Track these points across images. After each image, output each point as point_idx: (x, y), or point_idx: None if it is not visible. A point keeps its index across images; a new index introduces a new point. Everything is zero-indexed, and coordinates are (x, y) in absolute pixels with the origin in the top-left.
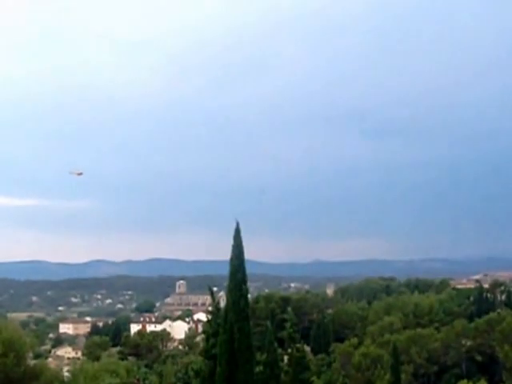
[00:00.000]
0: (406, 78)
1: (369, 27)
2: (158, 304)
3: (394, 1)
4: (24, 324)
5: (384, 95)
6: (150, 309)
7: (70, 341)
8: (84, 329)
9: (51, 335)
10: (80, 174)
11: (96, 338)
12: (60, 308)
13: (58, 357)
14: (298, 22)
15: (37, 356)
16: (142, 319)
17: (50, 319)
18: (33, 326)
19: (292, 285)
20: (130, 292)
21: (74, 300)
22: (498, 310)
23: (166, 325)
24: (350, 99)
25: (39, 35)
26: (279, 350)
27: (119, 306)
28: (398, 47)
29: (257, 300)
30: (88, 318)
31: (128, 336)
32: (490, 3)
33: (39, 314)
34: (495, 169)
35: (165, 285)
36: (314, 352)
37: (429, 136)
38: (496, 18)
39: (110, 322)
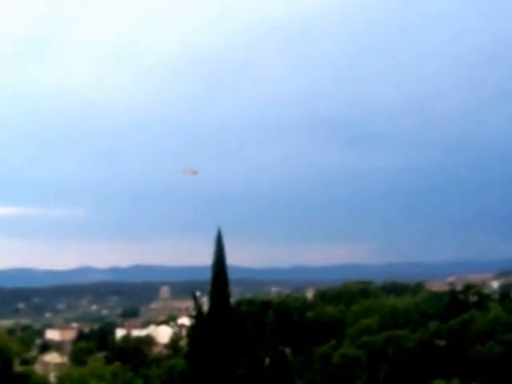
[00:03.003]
0: (383, 86)
1: (348, 37)
2: (142, 309)
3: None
4: (10, 331)
5: (361, 104)
6: (134, 314)
7: (57, 347)
8: (70, 334)
9: (38, 341)
10: (195, 172)
11: (82, 344)
12: (46, 315)
13: (45, 363)
14: (278, 32)
15: (24, 362)
16: (127, 324)
17: (36, 326)
18: (19, 333)
19: (273, 289)
20: (115, 298)
21: (60, 306)
22: (471, 311)
23: (151, 329)
24: (328, 108)
25: (21, 43)
26: (261, 353)
27: (105, 311)
28: (377, 56)
29: (239, 304)
30: (74, 324)
31: (114, 341)
32: (468, 16)
33: (26, 321)
34: (469, 174)
35: (149, 290)
36: (295, 354)
37: (406, 142)
38: (468, 30)
39: (95, 327)
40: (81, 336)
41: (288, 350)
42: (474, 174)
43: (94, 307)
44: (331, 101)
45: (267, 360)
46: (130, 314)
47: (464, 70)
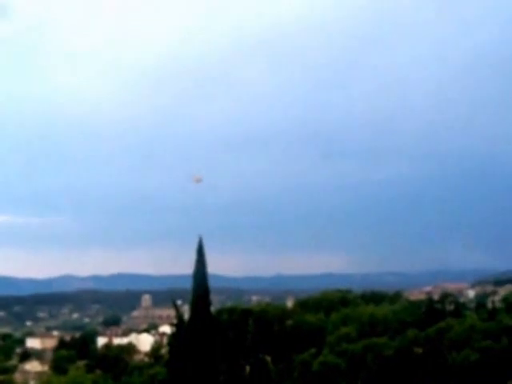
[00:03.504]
0: (360, 100)
1: (328, 52)
2: (124, 317)
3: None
4: None
5: (341, 117)
6: (116, 322)
7: (37, 355)
8: (51, 343)
9: (18, 350)
10: (199, 180)
11: (63, 352)
12: (27, 323)
13: (25, 371)
14: (260, 47)
15: (4, 371)
16: (108, 332)
17: (17, 334)
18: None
19: (254, 298)
20: (96, 306)
21: (41, 315)
22: (447, 319)
23: (132, 337)
24: (308, 121)
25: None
26: (241, 361)
27: (86, 320)
28: (358, 69)
29: (219, 313)
30: (55, 333)
31: (95, 349)
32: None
33: (6, 330)
34: (446, 185)
35: (131, 299)
36: (275, 362)
37: (383, 155)
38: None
39: (77, 335)
40: (62, 344)
41: (268, 358)
42: (452, 185)
43: (75, 315)
44: (310, 115)
45: (247, 368)
46: (112, 323)
47: (441, 83)
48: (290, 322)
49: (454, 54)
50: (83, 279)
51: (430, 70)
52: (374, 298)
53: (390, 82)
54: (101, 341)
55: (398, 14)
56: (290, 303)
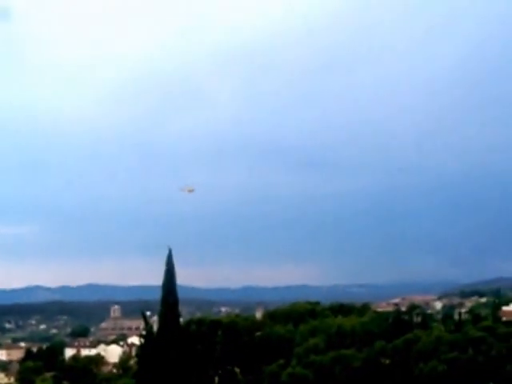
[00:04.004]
0: (333, 112)
1: (301, 64)
2: (92, 329)
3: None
4: None
5: (312, 130)
6: (84, 333)
7: (3, 367)
8: (18, 354)
9: None
10: (191, 190)
11: (30, 363)
12: None
13: None
14: (235, 59)
15: None
16: (76, 344)
17: None
18: None
19: (223, 309)
20: (64, 317)
21: (7, 326)
22: (414, 331)
23: (101, 349)
24: (280, 134)
25: None
26: (211, 372)
27: (54, 331)
28: (326, 83)
29: (188, 324)
30: (22, 344)
31: (62, 360)
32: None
33: None
34: (414, 198)
35: (99, 309)
36: (244, 373)
37: (354, 167)
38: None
39: (44, 347)
40: (28, 356)
41: (237, 370)
42: (419, 198)
43: (42, 326)
44: (284, 128)
45: (216, 379)
46: (80, 334)
47: (416, 96)
48: (258, 334)
49: (423, 72)
50: (51, 290)
51: (400, 87)
52: (342, 309)
53: (359, 97)
54: (68, 352)
55: (373, 33)
56: (258, 315)
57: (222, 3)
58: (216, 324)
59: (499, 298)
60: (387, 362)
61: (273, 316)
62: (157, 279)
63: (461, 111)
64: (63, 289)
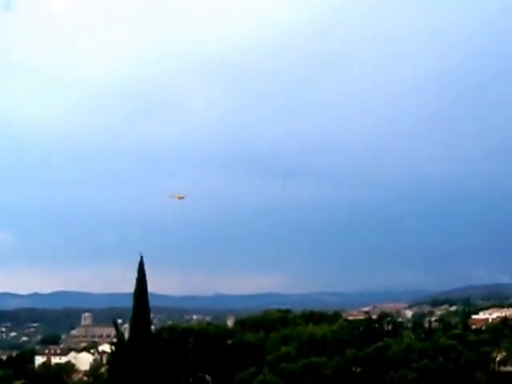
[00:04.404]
0: (309, 122)
1: (274, 74)
2: (63, 336)
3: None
4: None
5: (287, 139)
6: (55, 341)
7: None
8: None
9: None
10: (182, 197)
11: None
12: None
13: None
14: (214, 70)
15: None
16: (47, 351)
17: None
18: None
19: (194, 317)
20: (35, 324)
21: None
22: (385, 339)
23: (71, 357)
24: (251, 144)
25: None
26: (182, 379)
27: (24, 338)
28: (303, 94)
29: (160, 331)
30: None
31: (32, 368)
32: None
33: None
34: (384, 208)
35: (71, 317)
36: (215, 381)
37: (324, 177)
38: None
39: (14, 354)
40: None
41: (208, 377)
42: (390, 208)
43: (12, 334)
44: (257, 137)
45: None
46: (51, 341)
47: (386, 106)
48: (230, 341)
49: (389, 85)
50: (22, 297)
51: (372, 99)
52: (314, 317)
53: (333, 108)
54: (39, 360)
55: (348, 45)
56: (230, 322)
57: (201, 15)
58: (187, 332)
59: (469, 307)
60: (358, 369)
61: (244, 324)
62: (128, 287)
63: (431, 124)
64: (34, 296)
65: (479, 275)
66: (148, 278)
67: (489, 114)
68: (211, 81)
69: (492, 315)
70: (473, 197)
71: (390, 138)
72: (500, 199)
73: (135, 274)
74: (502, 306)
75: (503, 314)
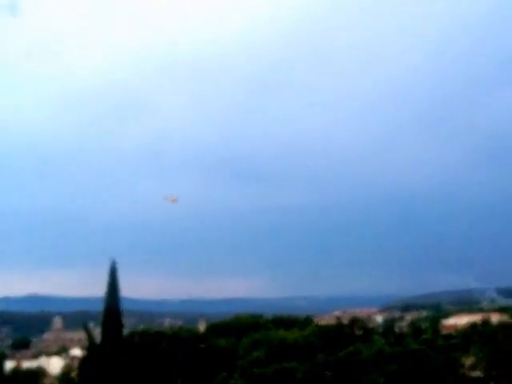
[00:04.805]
0: (280, 126)
1: (246, 77)
2: (34, 340)
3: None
4: None
5: (256, 142)
6: (25, 345)
7: None
8: None
9: None
10: (175, 200)
11: None
12: None
13: None
14: (180, 70)
15: None
16: (17, 356)
17: None
18: None
19: (166, 321)
20: (5, 328)
21: None
22: (356, 344)
23: (42, 361)
24: (223, 146)
25: None
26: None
27: None
28: (271, 96)
29: (131, 335)
30: None
31: (2, 373)
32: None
33: None
34: (356, 213)
35: (42, 321)
36: None
37: (295, 181)
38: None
39: None
40: None
41: (180, 382)
42: (362, 212)
43: None
44: (225, 140)
45: None
46: (21, 345)
47: (357, 109)
48: (202, 346)
49: (366, 89)
50: None
51: (342, 104)
52: (285, 322)
53: (301, 113)
54: (9, 364)
55: (316, 50)
56: (201, 327)
57: (172, 19)
58: (159, 336)
59: (439, 312)
60: (329, 374)
61: (216, 328)
62: (100, 290)
63: (401, 131)
64: (4, 300)
65: (449, 281)
66: (120, 281)
67: (465, 117)
68: (186, 82)
69: (462, 320)
70: (444, 202)
71: (365, 142)
72: (471, 205)
73: (107, 278)
74: (471, 312)
75: (473, 320)
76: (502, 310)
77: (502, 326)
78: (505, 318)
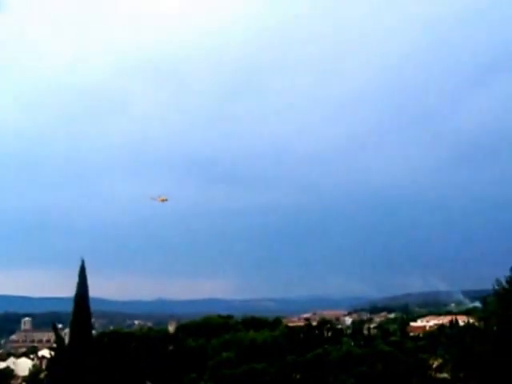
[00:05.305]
0: (255, 128)
1: (220, 79)
2: (2, 341)
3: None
4: None
5: (228, 145)
6: None
7: None
8: None
9: None
10: (165, 200)
11: None
12: None
13: None
14: (159, 74)
15: None
16: None
17: None
18: None
19: (136, 322)
20: None
21: None
22: (325, 346)
23: (10, 362)
24: (195, 148)
25: None
26: None
27: None
28: (244, 99)
29: (101, 336)
30: None
31: None
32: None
33: None
34: (324, 216)
35: (10, 322)
36: None
37: (267, 182)
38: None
39: None
40: None
41: (149, 383)
42: (331, 215)
43: None
44: (198, 142)
45: None
46: None
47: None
48: (171, 347)
49: (336, 93)
50: None
51: (311, 106)
52: (255, 323)
53: (273, 114)
54: None
55: (285, 52)
56: (171, 328)
57: (146, 18)
58: (129, 337)
59: (407, 314)
60: (298, 376)
61: (185, 329)
62: (69, 291)
63: (371, 134)
64: None
65: (417, 283)
66: (89, 282)
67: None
68: (158, 83)
69: (429, 323)
70: (413, 205)
71: (336, 145)
72: (439, 209)
73: (76, 279)
74: (439, 314)
75: (440, 322)
76: (468, 312)
77: (468, 327)
78: (472, 320)
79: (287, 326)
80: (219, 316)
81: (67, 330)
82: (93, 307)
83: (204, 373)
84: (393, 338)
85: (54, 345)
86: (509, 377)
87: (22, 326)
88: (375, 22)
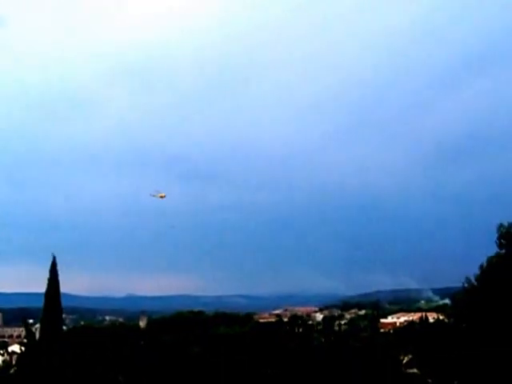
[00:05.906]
0: (228, 127)
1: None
2: None
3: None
4: None
5: (198, 142)
6: None
7: None
8: None
9: None
10: (163, 196)
11: None
12: None
13: None
14: (130, 73)
15: None
16: None
17: None
18: None
19: (107, 318)
20: None
21: None
22: (296, 341)
23: None
24: (165, 146)
25: None
26: (93, 381)
27: None
28: (217, 99)
29: (72, 332)
30: None
31: None
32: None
33: None
34: (297, 213)
35: None
36: (128, 382)
37: (240, 181)
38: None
39: None
40: None
41: (121, 378)
42: (302, 213)
43: None
44: (171, 140)
45: None
46: None
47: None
48: (142, 342)
49: (309, 88)
50: None
51: (287, 106)
52: (226, 319)
53: (248, 113)
54: None
55: (262, 52)
56: (142, 323)
57: (118, 18)
58: (100, 332)
59: (378, 311)
60: (269, 371)
61: (156, 325)
62: (40, 287)
63: (339, 133)
64: None
65: (387, 280)
66: (60, 278)
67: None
68: (133, 82)
69: (400, 319)
70: (383, 203)
71: (303, 143)
72: (410, 207)
73: (47, 274)
74: (409, 311)
75: (410, 318)
76: (438, 309)
77: (438, 324)
78: (441, 316)
79: (258, 322)
80: (190, 312)
81: (38, 326)
82: (63, 303)
83: (175, 368)
84: (363, 334)
85: (25, 340)
86: (478, 372)
87: None
88: (349, 25)
